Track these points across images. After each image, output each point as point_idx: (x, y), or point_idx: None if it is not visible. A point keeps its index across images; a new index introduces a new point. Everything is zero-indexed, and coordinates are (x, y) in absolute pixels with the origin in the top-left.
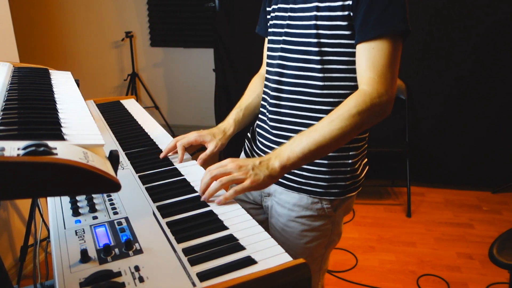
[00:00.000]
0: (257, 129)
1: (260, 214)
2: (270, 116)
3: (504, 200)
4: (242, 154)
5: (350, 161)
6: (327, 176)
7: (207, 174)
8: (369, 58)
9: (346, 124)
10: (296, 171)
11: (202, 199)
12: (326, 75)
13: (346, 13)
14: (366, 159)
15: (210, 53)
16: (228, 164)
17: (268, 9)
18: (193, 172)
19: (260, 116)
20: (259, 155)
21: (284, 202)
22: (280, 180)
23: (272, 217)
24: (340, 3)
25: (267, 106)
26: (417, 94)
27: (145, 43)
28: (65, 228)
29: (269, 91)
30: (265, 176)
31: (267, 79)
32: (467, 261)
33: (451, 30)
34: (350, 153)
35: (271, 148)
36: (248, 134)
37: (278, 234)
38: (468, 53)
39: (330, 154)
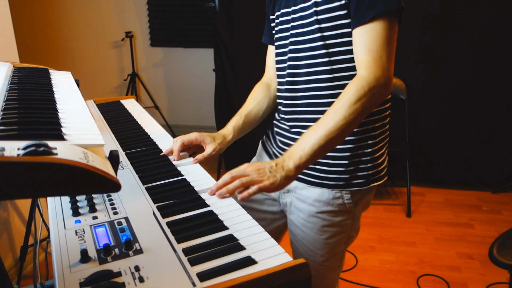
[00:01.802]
0: (275, 129)
1: (276, 205)
2: (286, 116)
3: (504, 200)
4: (260, 145)
5: (369, 150)
6: (347, 168)
7: (227, 175)
8: (364, 42)
9: (348, 113)
10: (316, 166)
11: (217, 193)
12: (333, 67)
13: (343, 2)
14: (386, 148)
15: (210, 53)
16: (246, 168)
17: (272, 17)
18: (193, 172)
19: (276, 116)
20: (278, 152)
21: (305, 197)
22: (300, 176)
23: (291, 214)
24: None
25: (282, 108)
26: (417, 94)
27: (145, 43)
28: (65, 228)
29: (283, 93)
30: (282, 177)
31: (280, 83)
32: (467, 261)
33: (450, 29)
34: (369, 142)
35: (290, 146)
36: (268, 131)
37: (298, 230)
38: (467, 52)
39: (349, 145)
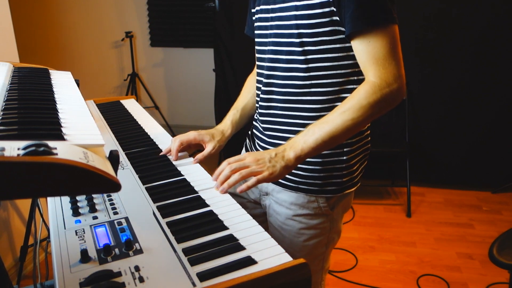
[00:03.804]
0: (253, 130)
1: (257, 208)
2: (261, 118)
3: (504, 200)
4: (243, 151)
5: (344, 157)
6: (322, 174)
7: (226, 168)
8: (369, 52)
9: (357, 115)
10: (292, 171)
11: (220, 189)
12: (310, 74)
13: (326, 10)
14: (364, 155)
15: (210, 53)
16: (246, 158)
17: (252, 10)
18: (193, 172)
19: (254, 116)
20: None
21: (282, 201)
22: None
23: (270, 216)
24: (318, 0)
25: (258, 109)
26: (417, 94)
27: (145, 43)
28: (65, 228)
29: (260, 94)
30: (281, 167)
31: (258, 81)
32: (467, 261)
33: (450, 29)
34: (345, 149)
35: (265, 149)
36: (249, 132)
37: (277, 232)
38: (467, 52)
39: (324, 152)
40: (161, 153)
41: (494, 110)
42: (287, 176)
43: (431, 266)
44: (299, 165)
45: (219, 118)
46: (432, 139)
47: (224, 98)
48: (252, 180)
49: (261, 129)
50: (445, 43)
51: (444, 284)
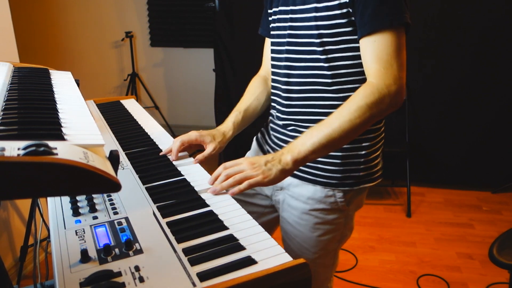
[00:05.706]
0: (270, 125)
1: (267, 200)
2: (282, 116)
3: (504, 200)
4: (254, 142)
5: (363, 152)
6: (341, 168)
7: (222, 173)
8: (373, 51)
9: (355, 116)
10: (310, 164)
11: (211, 191)
12: (334, 72)
13: (344, 10)
14: (381, 150)
15: (210, 53)
16: (242, 162)
17: (269, 11)
18: (193, 172)
19: (271, 111)
20: (273, 148)
21: (298, 195)
22: (295, 172)
23: (284, 211)
24: (337, 2)
25: (279, 107)
26: (417, 94)
27: (145, 43)
28: (65, 228)
29: (280, 92)
30: (278, 170)
31: (275, 81)
32: (467, 261)
33: (450, 29)
34: (363, 144)
35: (286, 142)
36: (262, 128)
37: (291, 227)
38: (467, 52)
39: (344, 146)
40: (162, 153)
41: (494, 110)
42: (306, 169)
43: (431, 266)
44: (318, 159)
45: (219, 118)
46: (432, 139)
47: (224, 98)
48: (244, 184)
49: (282, 125)
50: (445, 43)
51: (444, 284)
